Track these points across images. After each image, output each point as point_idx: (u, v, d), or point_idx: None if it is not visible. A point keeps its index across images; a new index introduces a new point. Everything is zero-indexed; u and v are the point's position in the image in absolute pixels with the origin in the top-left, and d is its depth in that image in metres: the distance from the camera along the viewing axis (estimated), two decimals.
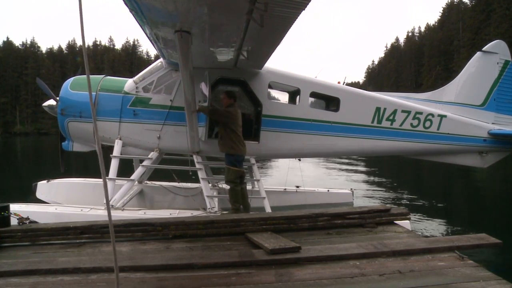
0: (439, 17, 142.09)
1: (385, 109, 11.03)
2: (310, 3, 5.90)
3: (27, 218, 7.57)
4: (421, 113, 11.28)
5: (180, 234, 7.21)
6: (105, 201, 9.08)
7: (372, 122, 11.00)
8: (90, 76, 11.16)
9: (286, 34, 7.57)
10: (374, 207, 8.47)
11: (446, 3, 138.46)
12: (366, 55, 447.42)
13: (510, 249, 8.14)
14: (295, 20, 6.71)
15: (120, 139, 10.29)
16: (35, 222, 7.61)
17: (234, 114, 9.47)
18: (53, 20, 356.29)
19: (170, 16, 6.83)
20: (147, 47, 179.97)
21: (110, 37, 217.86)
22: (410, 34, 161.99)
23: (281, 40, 8.05)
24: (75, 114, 10.23)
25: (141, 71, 11.14)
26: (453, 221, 13.18)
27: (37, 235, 6.91)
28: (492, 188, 21.62)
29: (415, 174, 28.52)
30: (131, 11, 6.78)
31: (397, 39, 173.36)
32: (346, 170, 27.71)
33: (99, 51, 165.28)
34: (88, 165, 27.44)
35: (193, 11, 6.63)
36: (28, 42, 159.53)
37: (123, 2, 6.35)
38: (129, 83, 10.61)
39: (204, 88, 9.65)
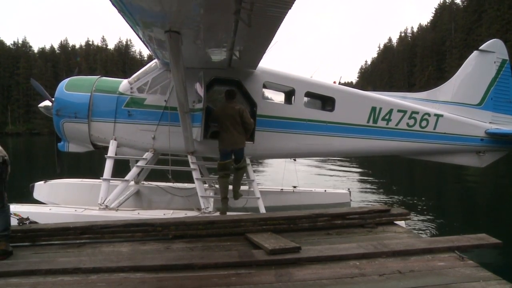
0: (432, 18, 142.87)
1: (380, 108, 11.01)
2: (296, 2, 5.92)
3: (27, 219, 7.57)
4: (417, 112, 11.25)
5: (180, 234, 7.22)
6: (99, 201, 9.17)
7: (368, 121, 10.97)
8: (86, 77, 11.23)
9: (276, 34, 7.58)
10: (374, 208, 8.51)
11: (438, 4, 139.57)
12: (359, 55, 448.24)
13: (510, 249, 8.19)
14: (282, 19, 6.71)
15: (115, 139, 10.28)
16: (35, 222, 7.60)
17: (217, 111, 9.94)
18: (45, 19, 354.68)
19: (158, 16, 6.83)
20: (140, 47, 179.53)
21: (103, 37, 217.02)
22: (402, 34, 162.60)
23: (271, 40, 8.05)
24: (70, 114, 10.20)
25: (135, 72, 11.12)
26: (452, 221, 13.23)
27: (37, 235, 6.90)
28: (489, 187, 21.71)
29: (410, 174, 28.58)
30: (119, 12, 6.79)
31: (390, 40, 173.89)
32: (341, 170, 27.77)
33: (92, 51, 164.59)
34: (85, 165, 27.44)
35: (181, 11, 6.65)
36: (20, 41, 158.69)
37: (111, 4, 6.37)
38: (123, 84, 10.59)
39: (199, 89, 9.65)
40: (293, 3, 5.94)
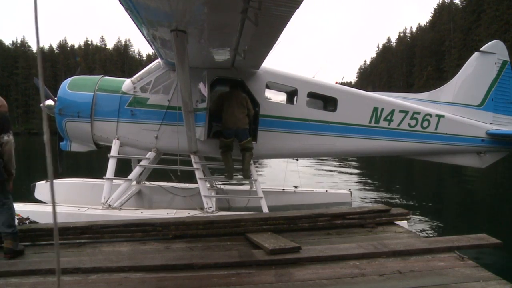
0: (431, 18, 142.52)
1: (382, 109, 11.05)
2: (304, 2, 5.93)
3: (27, 218, 7.56)
4: (418, 113, 11.30)
5: (180, 234, 7.23)
6: (102, 200, 9.13)
7: (370, 122, 11.00)
8: (89, 76, 11.20)
9: (282, 33, 7.58)
10: (374, 208, 8.53)
11: (437, 4, 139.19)
12: (358, 55, 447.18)
13: (510, 249, 8.19)
14: (289, 18, 6.70)
15: (117, 139, 10.27)
16: (35, 222, 7.59)
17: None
18: (44, 19, 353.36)
19: (165, 15, 6.81)
20: (139, 47, 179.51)
21: (102, 36, 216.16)
22: (401, 34, 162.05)
23: (276, 39, 8.04)
24: (73, 114, 10.19)
25: (134, 71, 11.12)
26: (452, 221, 13.22)
27: (37, 235, 6.90)
28: (489, 187, 21.70)
29: (410, 174, 28.55)
30: (126, 11, 6.77)
31: (389, 40, 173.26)
32: (341, 170, 27.76)
33: (91, 51, 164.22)
34: (85, 165, 27.41)
35: (188, 10, 6.63)
36: (19, 41, 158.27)
37: (118, 2, 6.35)
38: (126, 83, 10.59)
39: (203, 88, 9.64)
40: (302, 2, 5.94)
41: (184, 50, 7.91)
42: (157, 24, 7.32)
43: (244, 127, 9.97)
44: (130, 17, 7.08)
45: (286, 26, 7.09)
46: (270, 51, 9.00)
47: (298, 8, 6.17)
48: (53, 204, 3.46)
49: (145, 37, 8.31)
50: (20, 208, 8.40)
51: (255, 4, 6.03)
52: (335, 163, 31.37)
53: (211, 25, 7.35)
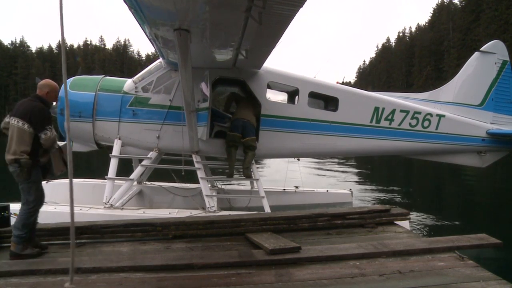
0: (430, 18, 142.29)
1: (383, 109, 11.07)
2: (307, 1, 5.95)
3: None
4: (419, 112, 11.33)
5: (180, 234, 7.22)
6: (104, 200, 9.14)
7: (371, 121, 11.03)
8: (90, 76, 11.17)
9: (284, 33, 7.59)
10: (374, 208, 8.52)
11: (437, 4, 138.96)
12: (357, 55, 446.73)
13: (510, 249, 8.19)
14: (293, 17, 6.71)
15: (119, 139, 10.28)
16: None
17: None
18: (43, 19, 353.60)
19: (169, 14, 6.82)
20: (138, 47, 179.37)
21: (101, 36, 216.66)
22: (401, 34, 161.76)
23: (279, 39, 8.04)
24: (74, 114, 10.11)
25: (133, 71, 11.14)
26: (452, 221, 13.22)
27: (37, 235, 6.87)
28: (489, 187, 21.71)
29: (410, 174, 28.57)
30: (130, 9, 6.78)
31: (388, 39, 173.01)
32: (341, 170, 27.75)
33: (90, 51, 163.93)
34: (85, 165, 27.38)
35: (192, 9, 6.64)
36: (18, 41, 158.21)
37: (122, 0, 6.35)
38: (128, 83, 10.59)
39: (205, 88, 9.65)
40: (305, 1, 5.96)
41: (187, 49, 7.93)
42: (160, 23, 7.33)
43: (252, 122, 10.18)
44: (134, 15, 7.09)
45: (289, 25, 7.11)
46: (272, 51, 9.02)
47: (301, 7, 6.20)
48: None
49: (147, 36, 8.33)
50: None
51: (259, 2, 6.05)
52: (336, 163, 31.37)
53: (214, 24, 7.35)
